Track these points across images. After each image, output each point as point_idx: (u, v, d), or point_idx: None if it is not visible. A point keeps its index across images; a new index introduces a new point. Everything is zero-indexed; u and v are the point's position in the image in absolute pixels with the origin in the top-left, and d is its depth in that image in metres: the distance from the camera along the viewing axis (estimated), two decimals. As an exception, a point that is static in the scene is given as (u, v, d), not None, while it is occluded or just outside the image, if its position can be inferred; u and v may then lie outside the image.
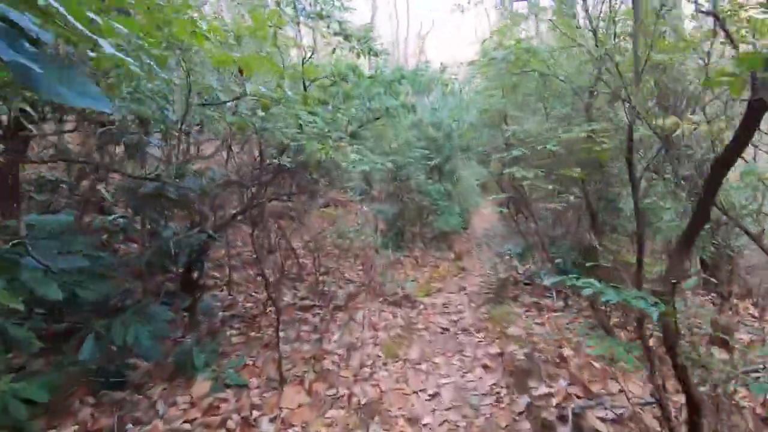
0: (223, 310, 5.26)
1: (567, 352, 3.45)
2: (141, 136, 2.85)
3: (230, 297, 5.82)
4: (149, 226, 4.10)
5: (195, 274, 4.54)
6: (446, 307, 5.56)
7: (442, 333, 4.62)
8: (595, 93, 3.28)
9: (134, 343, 2.89)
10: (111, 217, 4.69)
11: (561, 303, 4.67)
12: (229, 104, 3.18)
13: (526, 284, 5.62)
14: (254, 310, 5.33)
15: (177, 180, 3.33)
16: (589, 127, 2.92)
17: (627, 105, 2.23)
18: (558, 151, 3.25)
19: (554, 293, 4.87)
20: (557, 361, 3.36)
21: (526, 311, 4.70)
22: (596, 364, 3.15)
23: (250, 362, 3.81)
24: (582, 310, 4.38)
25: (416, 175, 8.14)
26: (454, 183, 11.84)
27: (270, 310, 5.31)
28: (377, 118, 4.51)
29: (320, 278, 6.69)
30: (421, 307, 5.54)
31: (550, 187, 3.37)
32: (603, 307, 3.61)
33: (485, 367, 3.61)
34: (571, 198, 4.15)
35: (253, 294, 6.09)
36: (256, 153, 3.81)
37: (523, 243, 5.81)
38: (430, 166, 9.78)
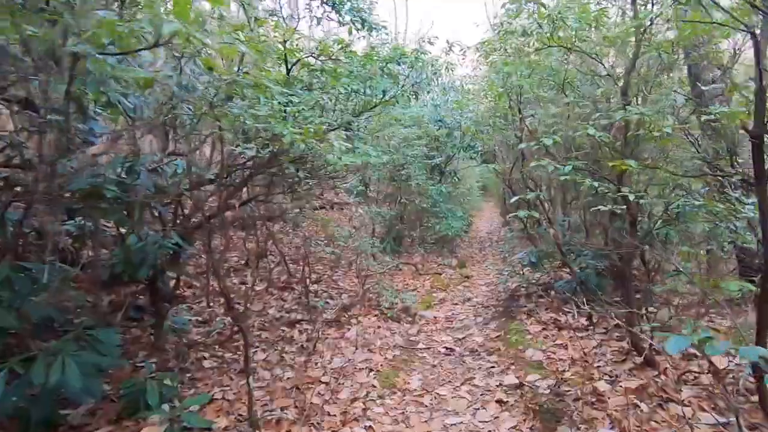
0: (198, 326, 4.62)
1: (602, 386, 2.81)
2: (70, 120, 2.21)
3: (209, 309, 5.18)
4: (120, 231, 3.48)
5: (164, 286, 3.90)
6: (450, 322, 4.94)
7: (446, 355, 3.98)
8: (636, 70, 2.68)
9: (60, 383, 2.25)
10: (76, 220, 4.05)
11: (584, 320, 4.04)
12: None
13: (540, 297, 4.99)
14: (234, 327, 4.69)
15: (125, 176, 2.70)
16: (637, 112, 2.30)
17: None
18: (602, 138, 2.62)
19: (574, 308, 4.24)
20: (591, 399, 2.73)
21: (543, 329, 4.07)
22: (643, 405, 2.52)
23: (220, 395, 3.17)
24: (610, 329, 3.75)
25: (417, 175, 7.52)
26: (456, 184, 11.24)
27: (253, 326, 4.68)
28: (374, 107, 3.87)
29: (311, 288, 6.06)
30: (422, 322, 4.91)
31: (596, 184, 2.74)
32: (638, 329, 2.98)
33: (501, 402, 2.97)
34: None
35: (236, 306, 5.46)
36: (226, 145, 3.16)
37: (533, 249, 5.17)
38: (431, 166, 9.17)
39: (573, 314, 4.18)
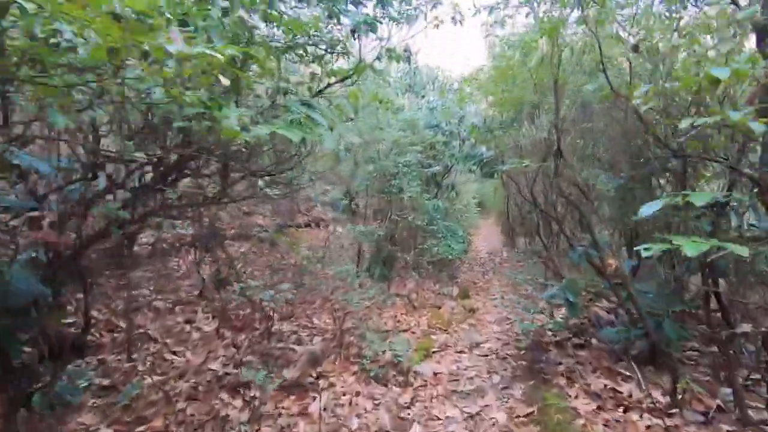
0: (101, 394, 3.21)
1: None
2: None
3: (131, 363, 3.77)
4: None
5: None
6: (456, 382, 3.56)
7: (456, 448, 2.60)
8: None
9: None
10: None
11: (658, 394, 2.68)
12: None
13: (578, 347, 3.63)
14: (152, 393, 3.27)
15: None
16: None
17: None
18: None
19: (637, 371, 2.89)
20: None
21: (598, 408, 2.70)
22: None
23: None
24: (712, 415, 2.40)
25: (410, 188, 6.22)
26: (453, 199, 9.96)
27: (178, 396, 3.27)
28: (344, 78, 2.58)
29: (275, 328, 4.66)
30: (418, 383, 3.52)
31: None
32: None
33: None
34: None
35: (172, 356, 4.05)
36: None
37: (569, 282, 3.82)
38: (427, 177, 7.89)
39: (639, 382, 2.82)
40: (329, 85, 2.66)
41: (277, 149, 2.99)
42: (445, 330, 4.80)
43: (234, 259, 6.58)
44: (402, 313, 5.30)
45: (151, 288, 5.51)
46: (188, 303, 5.35)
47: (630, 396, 2.72)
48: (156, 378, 3.47)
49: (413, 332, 4.69)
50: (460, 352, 4.21)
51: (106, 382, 3.36)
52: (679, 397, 2.49)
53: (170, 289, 5.64)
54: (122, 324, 4.33)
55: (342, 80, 2.62)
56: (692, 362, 3.14)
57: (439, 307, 5.54)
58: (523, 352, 3.91)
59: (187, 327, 4.65)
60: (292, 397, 3.24)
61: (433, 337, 4.56)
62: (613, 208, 3.87)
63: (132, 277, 5.38)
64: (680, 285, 3.30)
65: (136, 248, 6.41)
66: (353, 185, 6.75)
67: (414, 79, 8.40)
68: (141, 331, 4.41)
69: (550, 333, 4.04)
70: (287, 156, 2.75)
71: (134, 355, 3.86)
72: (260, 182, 4.46)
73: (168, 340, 4.29)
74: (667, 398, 2.56)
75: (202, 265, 5.85)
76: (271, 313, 4.85)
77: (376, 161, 5.87)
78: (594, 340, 3.65)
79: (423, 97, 8.46)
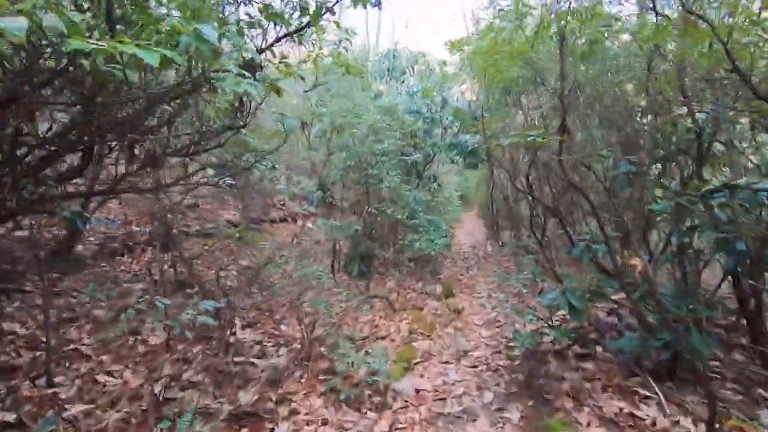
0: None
1: None
2: None
3: (51, 390, 3.10)
4: None
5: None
6: (442, 402, 3.02)
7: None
8: None
9: None
10: None
11: (688, 420, 2.19)
12: None
13: (581, 358, 3.14)
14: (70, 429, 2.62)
15: None
16: None
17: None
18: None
19: (657, 390, 2.40)
20: None
21: (617, 438, 2.19)
22: None
23: None
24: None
25: (389, 177, 5.63)
26: (435, 191, 9.44)
27: None
28: (299, 30, 1.97)
29: (233, 338, 4.04)
30: (398, 404, 2.97)
31: None
32: None
33: None
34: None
35: (106, 378, 3.39)
36: None
37: (570, 286, 3.31)
38: (407, 166, 7.32)
39: (661, 404, 2.33)
40: (279, 39, 2.03)
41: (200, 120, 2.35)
42: (429, 335, 4.26)
43: (194, 258, 5.90)
44: (381, 317, 4.74)
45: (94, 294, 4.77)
46: (138, 311, 4.68)
47: (654, 425, 2.22)
48: (78, 408, 2.82)
49: (393, 339, 4.13)
50: (446, 362, 3.68)
51: (11, 417, 2.69)
52: (719, 425, 2.00)
53: (117, 295, 4.91)
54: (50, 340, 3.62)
55: (296, 32, 1.99)
56: (716, 375, 2.68)
57: (422, 309, 5.00)
58: (517, 362, 3.40)
59: (131, 340, 3.98)
60: (244, 430, 2.64)
61: (415, 344, 4.01)
62: (619, 196, 3.37)
63: (69, 282, 4.67)
64: (697, 283, 2.83)
65: (79, 248, 5.64)
66: (327, 175, 6.12)
67: (393, 62, 7.78)
68: (72, 347, 3.72)
69: (547, 338, 3.54)
70: (213, 128, 2.11)
71: (57, 379, 3.19)
72: (210, 170, 3.80)
73: (104, 357, 3.62)
74: (702, 428, 2.07)
75: (158, 265, 5.17)
76: (233, 320, 4.23)
77: (351, 148, 5.26)
78: (599, 348, 3.17)
79: (403, 82, 7.86)
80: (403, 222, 5.65)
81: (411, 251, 5.53)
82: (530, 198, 4.58)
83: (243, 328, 4.43)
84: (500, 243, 9.30)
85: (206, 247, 7.41)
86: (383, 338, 4.16)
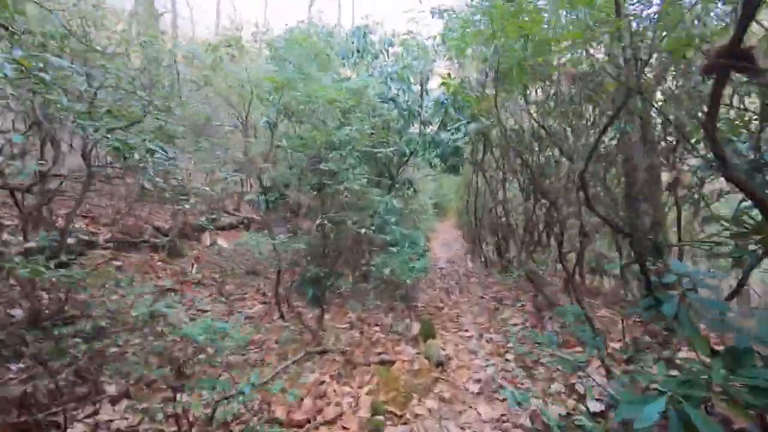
0: None
1: None
2: None
3: None
4: None
5: None
6: None
7: None
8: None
9: None
10: None
11: None
12: None
13: None
14: None
15: None
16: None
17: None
18: None
19: None
20: None
21: None
22: None
23: None
24: None
25: (352, 176, 4.10)
26: (409, 198, 7.98)
27: None
28: None
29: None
30: None
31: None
32: None
33: None
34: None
35: None
36: None
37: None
38: (378, 166, 5.84)
39: None
40: None
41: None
42: (402, 415, 2.74)
43: (72, 282, 4.15)
44: (330, 379, 3.18)
45: None
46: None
47: None
48: None
49: (345, 428, 2.58)
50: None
51: None
52: None
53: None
54: None
55: None
56: None
57: (391, 364, 3.47)
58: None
59: None
60: None
61: (380, 435, 2.48)
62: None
63: None
64: None
65: None
66: (281, 174, 4.53)
67: (363, 42, 6.30)
68: None
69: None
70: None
71: None
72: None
73: None
74: None
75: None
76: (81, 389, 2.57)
77: (303, 135, 3.72)
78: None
79: (375, 58, 6.37)
80: (370, 237, 4.12)
81: (380, 276, 4.00)
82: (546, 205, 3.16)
83: (111, 401, 2.77)
84: (483, 258, 7.92)
85: (117, 263, 5.62)
86: (330, 424, 2.60)
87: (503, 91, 3.76)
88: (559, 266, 5.18)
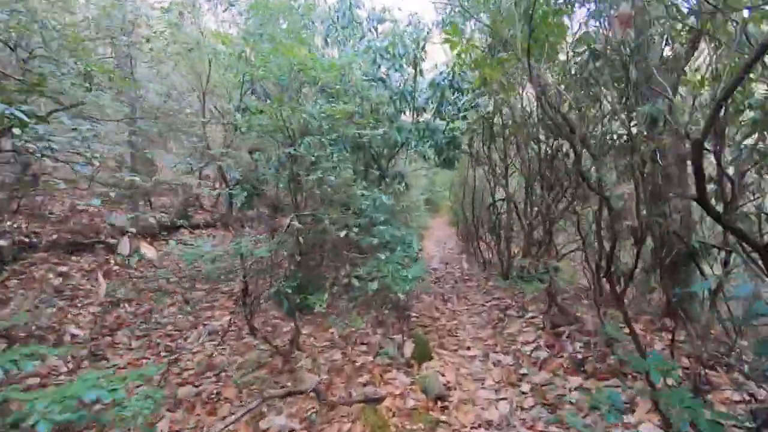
0: None
1: None
2: None
3: None
4: None
5: None
6: None
7: None
8: None
9: None
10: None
11: None
12: None
13: None
14: None
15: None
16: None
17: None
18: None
19: None
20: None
21: None
22: None
23: None
24: None
25: (333, 168, 3.35)
26: (401, 193, 7.26)
27: None
28: None
29: None
30: None
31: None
32: None
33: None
34: None
35: None
36: None
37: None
38: (367, 157, 5.11)
39: None
40: None
41: None
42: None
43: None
44: (303, 421, 2.45)
45: None
46: None
47: None
48: None
49: None
50: None
51: None
52: None
53: None
54: None
55: None
56: None
57: (380, 399, 2.74)
58: None
59: None
60: None
61: None
62: None
63: None
64: None
65: None
66: (230, 161, 3.75)
67: (350, 17, 5.53)
68: None
69: None
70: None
71: None
72: None
73: None
74: None
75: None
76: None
77: (265, 109, 2.96)
78: None
79: (361, 38, 5.59)
80: (353, 240, 3.36)
81: (364, 291, 3.24)
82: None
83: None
84: (481, 260, 7.23)
85: (63, 269, 4.81)
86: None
87: (514, 58, 3.04)
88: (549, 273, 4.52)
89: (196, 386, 3.08)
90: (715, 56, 3.68)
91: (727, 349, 2.46)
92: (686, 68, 4.04)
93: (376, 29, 5.98)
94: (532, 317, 4.13)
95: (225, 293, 5.44)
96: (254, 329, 4.00)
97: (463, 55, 3.69)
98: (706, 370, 2.39)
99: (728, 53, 3.47)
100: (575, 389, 2.67)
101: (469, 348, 3.73)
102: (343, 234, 2.94)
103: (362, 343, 3.72)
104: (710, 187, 3.81)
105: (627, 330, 2.32)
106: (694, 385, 2.23)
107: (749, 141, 3.61)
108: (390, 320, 4.16)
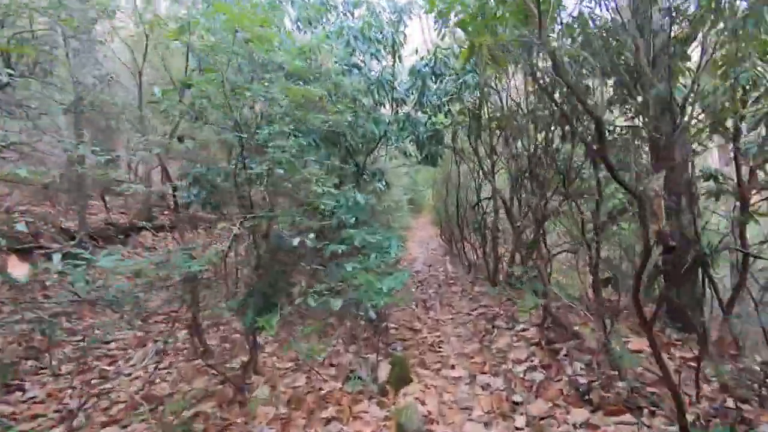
0: None
1: None
2: None
3: None
4: None
5: None
6: None
7: None
8: None
9: None
10: None
11: None
12: None
13: None
14: None
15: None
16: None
17: None
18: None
19: None
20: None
21: None
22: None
23: None
24: None
25: (287, 162, 2.80)
26: (381, 193, 6.75)
27: None
28: None
29: None
30: None
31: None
32: None
33: None
34: None
35: None
36: None
37: None
38: (341, 152, 4.61)
39: None
40: None
41: None
42: None
43: None
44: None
45: None
46: None
47: None
48: None
49: None
50: None
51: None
52: None
53: None
54: None
55: None
56: None
57: (345, 445, 2.22)
58: None
59: None
60: None
61: None
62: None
63: None
64: None
65: None
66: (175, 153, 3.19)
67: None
68: None
69: None
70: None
71: None
72: None
73: None
74: None
75: None
76: None
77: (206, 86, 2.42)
78: None
79: (336, 17, 5.04)
80: (312, 249, 2.81)
81: (328, 308, 2.70)
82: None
83: None
84: (466, 263, 6.78)
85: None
86: None
87: (513, 15, 2.56)
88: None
89: (124, 427, 2.51)
90: (719, 39, 3.30)
91: (761, 378, 2.03)
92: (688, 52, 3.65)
93: (352, 14, 5.45)
94: (524, 330, 3.68)
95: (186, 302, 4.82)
96: (206, 349, 3.44)
97: (445, 14, 3.18)
98: (739, 403, 1.96)
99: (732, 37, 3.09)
100: (580, 425, 2.20)
101: (453, 367, 3.25)
102: (296, 241, 2.41)
103: (331, 365, 3.20)
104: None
105: (648, 360, 1.86)
106: (731, 426, 1.79)
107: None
108: (360, 333, 3.65)
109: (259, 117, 2.90)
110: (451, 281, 6.28)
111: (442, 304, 5.10)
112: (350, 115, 4.41)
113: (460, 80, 4.44)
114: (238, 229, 2.35)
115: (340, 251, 2.88)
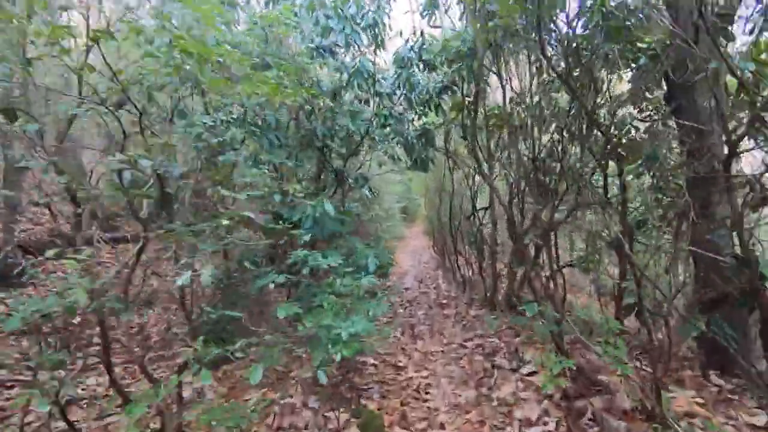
0: None
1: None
2: None
3: None
4: None
5: None
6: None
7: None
8: None
9: None
10: None
11: None
12: None
13: None
14: None
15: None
16: None
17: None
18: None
19: None
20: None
21: None
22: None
23: None
24: None
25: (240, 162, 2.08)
26: (368, 201, 6.05)
27: None
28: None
29: None
30: None
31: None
32: None
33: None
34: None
35: None
36: None
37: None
38: (317, 156, 3.90)
39: None
40: None
41: None
42: None
43: None
44: None
45: None
46: None
47: None
48: None
49: None
50: None
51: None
52: None
53: None
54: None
55: None
56: None
57: None
58: None
59: None
60: None
61: None
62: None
63: None
64: None
65: None
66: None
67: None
68: None
69: None
70: None
71: None
72: None
73: None
74: None
75: None
76: None
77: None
78: None
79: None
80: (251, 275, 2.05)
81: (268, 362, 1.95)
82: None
83: None
84: (461, 279, 6.04)
85: None
86: None
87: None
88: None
89: None
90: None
91: None
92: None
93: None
94: (531, 373, 2.93)
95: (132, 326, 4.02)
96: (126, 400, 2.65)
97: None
98: None
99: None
100: None
101: (443, 427, 2.50)
102: (207, 274, 1.66)
103: (285, 427, 2.43)
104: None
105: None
106: None
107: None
108: (330, 380, 2.89)
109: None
110: (444, 301, 5.53)
111: (433, 331, 4.35)
112: (326, 111, 3.71)
113: (453, 69, 3.74)
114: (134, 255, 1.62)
115: (287, 280, 2.13)
